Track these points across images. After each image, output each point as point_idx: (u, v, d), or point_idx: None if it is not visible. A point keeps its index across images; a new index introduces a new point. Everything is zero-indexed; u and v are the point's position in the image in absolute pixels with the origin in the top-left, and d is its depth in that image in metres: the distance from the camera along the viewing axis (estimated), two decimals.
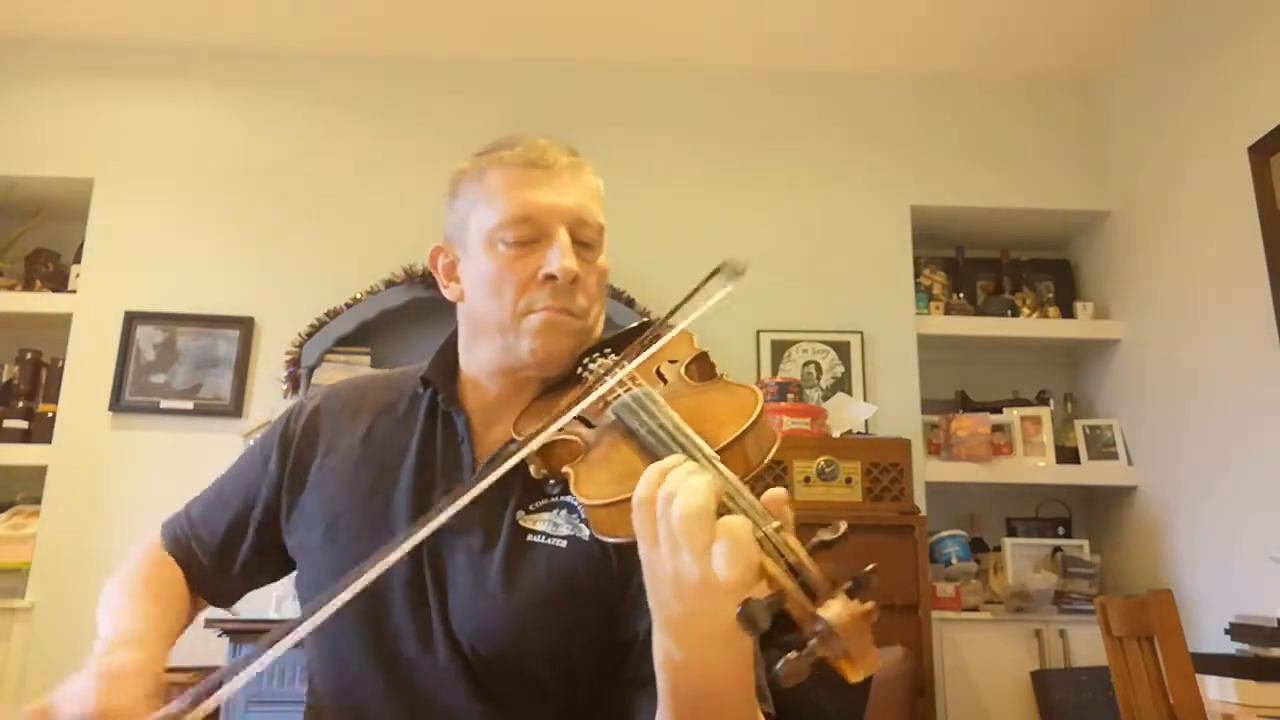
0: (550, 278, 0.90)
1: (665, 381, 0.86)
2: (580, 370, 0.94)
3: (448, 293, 1.01)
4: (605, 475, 0.74)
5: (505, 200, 0.92)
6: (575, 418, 0.81)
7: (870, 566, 0.57)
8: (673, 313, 0.86)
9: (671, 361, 0.89)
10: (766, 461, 0.72)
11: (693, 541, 0.59)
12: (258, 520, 1.02)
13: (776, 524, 0.60)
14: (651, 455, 0.71)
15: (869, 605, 0.55)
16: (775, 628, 0.55)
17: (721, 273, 0.84)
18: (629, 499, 0.65)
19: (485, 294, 0.93)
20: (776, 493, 0.62)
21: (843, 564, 0.58)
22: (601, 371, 0.86)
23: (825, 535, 0.59)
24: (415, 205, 3.25)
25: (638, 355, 0.83)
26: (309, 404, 1.07)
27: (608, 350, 0.94)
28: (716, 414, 0.74)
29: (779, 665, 0.54)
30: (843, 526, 0.59)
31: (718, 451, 0.68)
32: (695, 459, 0.67)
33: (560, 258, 0.90)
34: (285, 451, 1.03)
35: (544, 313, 0.91)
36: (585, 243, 0.95)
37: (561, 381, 0.95)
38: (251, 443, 1.13)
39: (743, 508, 0.61)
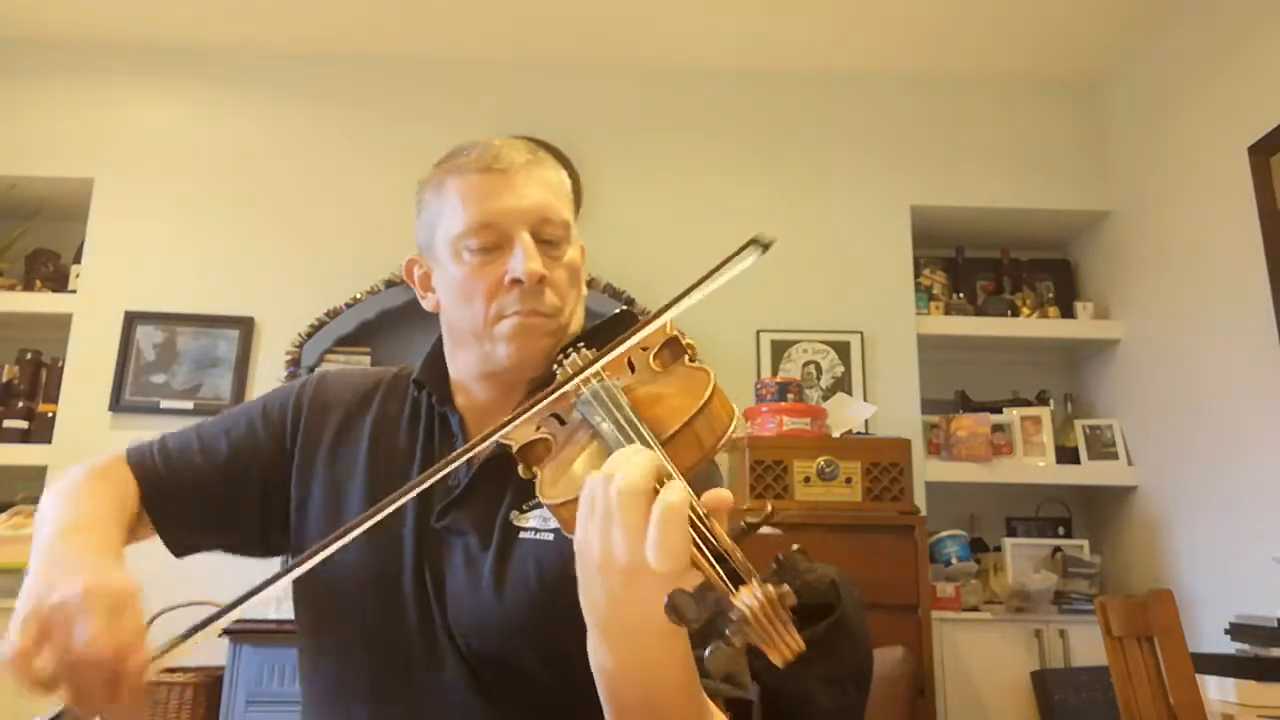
0: (516, 282, 0.91)
1: (633, 370, 0.85)
2: (556, 367, 0.93)
3: (425, 303, 1.02)
4: (565, 475, 0.74)
5: (465, 209, 0.93)
6: (553, 416, 0.82)
7: (795, 546, 0.56)
8: (701, 281, 0.81)
9: (643, 349, 0.87)
10: (724, 442, 0.70)
11: (628, 516, 0.57)
12: (253, 477, 1.00)
13: (704, 511, 0.58)
14: (608, 451, 0.70)
15: (783, 589, 0.53)
16: (705, 615, 0.53)
17: (753, 244, 0.81)
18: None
19: (458, 303, 0.95)
20: (719, 492, 0.61)
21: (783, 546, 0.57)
22: (571, 369, 0.85)
23: (750, 519, 0.58)
24: (415, 205, 3.25)
25: (613, 350, 0.82)
26: (312, 386, 1.06)
27: (580, 344, 0.94)
28: (668, 401, 0.73)
29: (708, 654, 0.53)
30: (769, 507, 0.58)
31: (666, 440, 0.67)
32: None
33: (525, 261, 0.90)
34: (296, 425, 1.02)
35: (514, 317, 0.92)
36: (550, 240, 0.94)
37: (548, 380, 0.94)
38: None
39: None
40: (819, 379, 3.21)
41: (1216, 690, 1.97)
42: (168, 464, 1.00)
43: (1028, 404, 3.36)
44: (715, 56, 3.43)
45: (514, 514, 0.92)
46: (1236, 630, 2.25)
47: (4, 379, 3.16)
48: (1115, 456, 3.19)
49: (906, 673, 2.36)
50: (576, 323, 0.98)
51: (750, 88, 3.47)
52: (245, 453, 1.00)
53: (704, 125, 3.43)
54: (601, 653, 0.66)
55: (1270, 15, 2.64)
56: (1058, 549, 3.13)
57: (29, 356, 3.17)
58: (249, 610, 2.51)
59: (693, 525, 0.57)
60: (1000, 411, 3.29)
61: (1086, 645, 2.77)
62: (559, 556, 0.87)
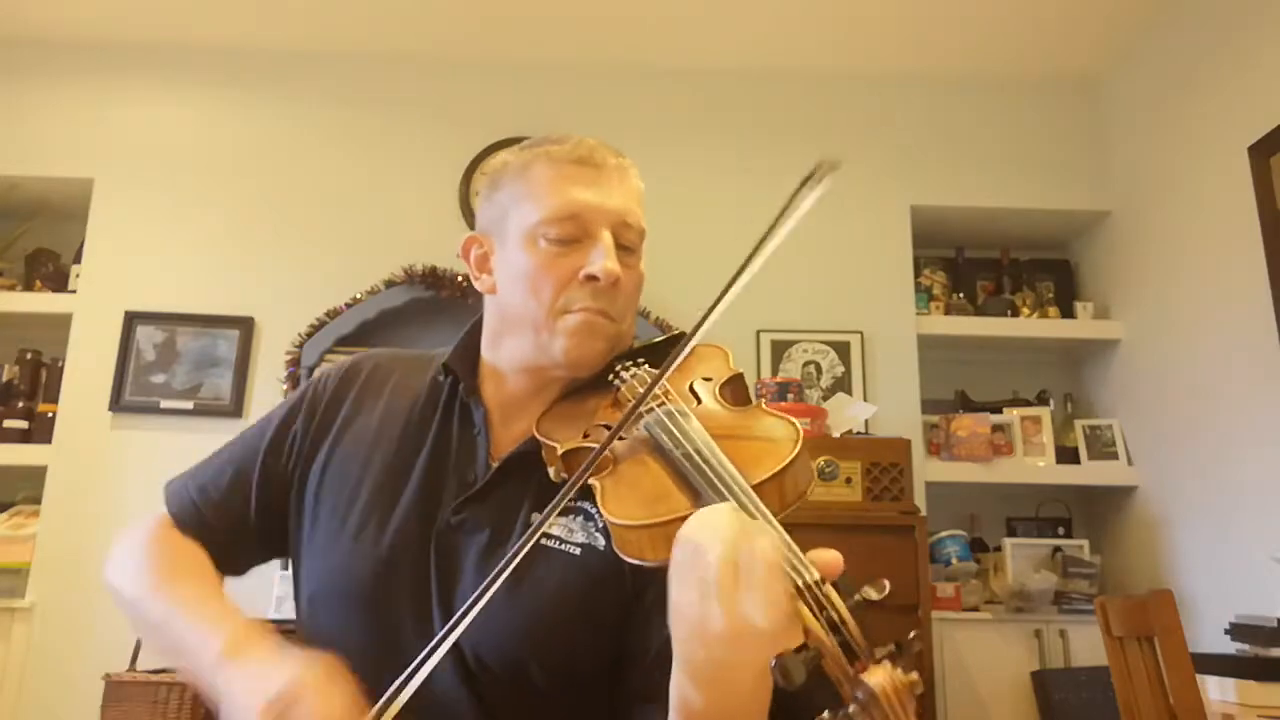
0: (592, 278, 0.89)
1: (699, 400, 0.83)
2: (611, 377, 0.91)
3: (479, 284, 0.98)
4: (635, 496, 0.72)
5: (551, 196, 0.90)
6: (603, 425, 0.80)
7: (913, 634, 0.54)
8: (770, 231, 0.82)
9: (706, 379, 0.87)
10: (802, 499, 0.69)
11: (725, 588, 0.57)
12: (281, 486, 0.99)
13: (818, 577, 0.57)
14: (683, 479, 0.69)
15: (913, 676, 0.53)
16: (812, 683, 0.53)
17: (814, 176, 0.80)
18: (658, 524, 0.64)
19: (521, 289, 0.91)
20: (830, 555, 0.59)
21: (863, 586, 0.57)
22: (637, 385, 0.85)
23: (870, 594, 0.56)
24: (415, 205, 3.25)
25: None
26: (337, 369, 1.05)
27: (641, 360, 0.92)
28: (753, 446, 0.72)
29: None
30: (887, 587, 0.56)
31: (753, 487, 0.66)
32: (731, 493, 0.64)
33: (603, 259, 0.89)
34: (311, 416, 1.01)
35: (581, 314, 0.90)
36: (627, 246, 0.93)
37: (588, 384, 0.93)
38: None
39: (782, 554, 0.59)
40: (819, 379, 3.21)
41: (1216, 690, 1.97)
42: (216, 514, 1.00)
43: (1028, 404, 3.36)
44: (715, 56, 3.43)
45: (535, 516, 0.89)
46: (1236, 630, 2.25)
47: (4, 379, 3.16)
48: (1115, 456, 3.19)
49: None
50: (630, 335, 0.97)
51: (750, 88, 3.47)
52: (275, 475, 1.00)
53: (703, 125, 3.43)
54: (689, 690, 0.65)
55: (1270, 15, 2.64)
56: (1058, 549, 3.13)
57: (29, 356, 3.17)
58: (250, 610, 2.49)
59: (806, 588, 0.57)
60: (1000, 411, 3.28)
61: (1086, 645, 2.77)
62: (583, 574, 0.85)
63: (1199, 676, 1.80)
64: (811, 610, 0.56)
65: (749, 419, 0.78)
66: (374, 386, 1.02)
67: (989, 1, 3.10)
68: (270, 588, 2.67)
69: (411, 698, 0.86)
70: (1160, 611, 1.81)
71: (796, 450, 0.69)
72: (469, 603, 0.72)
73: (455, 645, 0.84)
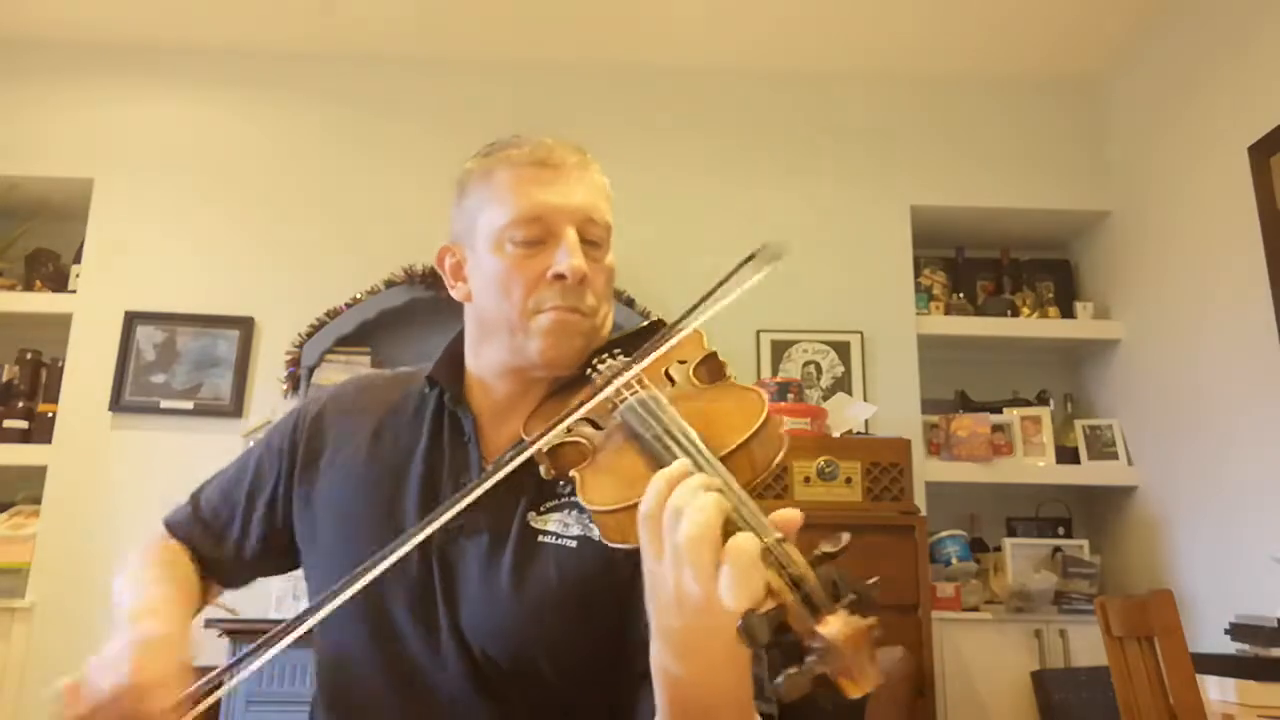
0: (559, 277, 0.90)
1: (673, 383, 0.86)
2: (589, 371, 0.93)
3: (455, 293, 1.00)
4: (611, 480, 0.74)
5: (514, 200, 0.92)
6: (583, 420, 0.81)
7: (872, 580, 0.55)
8: (703, 300, 0.85)
9: (680, 362, 0.88)
10: (775, 467, 0.71)
11: (698, 563, 0.58)
12: (267, 508, 1.03)
13: (779, 535, 0.58)
14: (657, 461, 0.70)
15: (870, 621, 0.53)
16: (776, 640, 0.54)
17: (756, 258, 0.83)
18: (635, 505, 0.65)
19: (494, 294, 0.93)
20: (789, 513, 0.61)
21: (848, 570, 0.57)
22: (609, 373, 0.86)
23: (827, 548, 0.57)
24: (415, 205, 3.25)
25: (649, 355, 0.83)
26: (316, 401, 1.08)
27: (617, 351, 0.94)
28: (722, 418, 0.73)
29: (778, 680, 0.53)
30: (845, 539, 0.57)
31: (722, 458, 0.67)
32: (700, 466, 0.65)
33: (569, 257, 0.90)
34: (295, 446, 1.03)
35: (553, 312, 0.91)
36: (593, 241, 0.94)
37: (571, 381, 0.95)
38: (253, 442, 1.14)
39: (745, 519, 0.60)
40: (819, 379, 3.21)
41: (1216, 690, 1.97)
42: (208, 535, 1.05)
43: (1028, 404, 3.36)
44: (715, 56, 3.43)
45: (532, 515, 0.91)
46: (1236, 630, 2.25)
47: (4, 379, 3.16)
48: (1115, 456, 3.19)
49: (906, 673, 2.36)
50: (607, 329, 0.98)
51: (750, 87, 3.47)
52: (268, 499, 1.04)
53: (704, 125, 3.43)
54: (668, 661, 0.67)
55: (1271, 15, 2.64)
56: (1058, 549, 3.13)
57: (29, 356, 3.17)
58: (249, 610, 2.51)
59: (768, 549, 0.57)
60: (1000, 411, 3.28)
61: (1086, 645, 2.77)
62: (581, 565, 0.87)
63: (1199, 676, 1.80)
64: (774, 570, 0.57)
65: (718, 394, 0.81)
66: (355, 412, 1.04)
67: (990, 2, 3.10)
68: (269, 587, 2.67)
69: (422, 697, 0.88)
70: (1160, 611, 1.81)
71: (762, 419, 0.70)
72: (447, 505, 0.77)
73: (464, 644, 0.87)
